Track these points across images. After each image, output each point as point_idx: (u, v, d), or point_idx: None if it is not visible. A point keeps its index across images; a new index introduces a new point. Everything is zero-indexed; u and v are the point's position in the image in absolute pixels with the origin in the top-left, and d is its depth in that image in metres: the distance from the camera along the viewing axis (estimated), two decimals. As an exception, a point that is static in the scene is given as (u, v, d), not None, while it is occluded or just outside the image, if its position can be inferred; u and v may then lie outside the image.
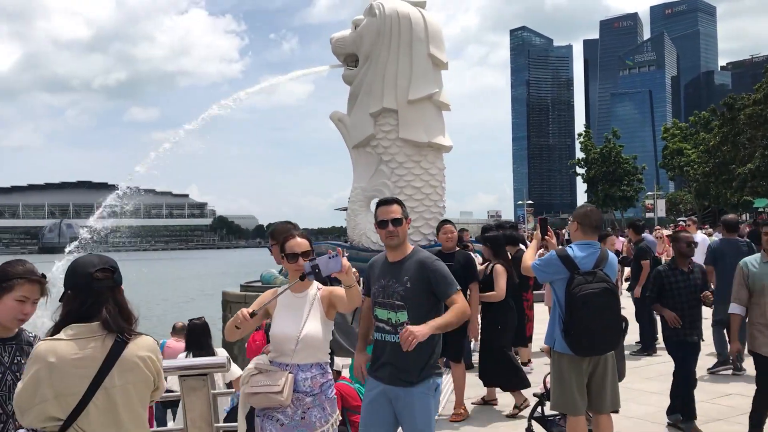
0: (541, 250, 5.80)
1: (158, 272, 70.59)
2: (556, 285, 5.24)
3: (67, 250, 20.76)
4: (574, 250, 5.20)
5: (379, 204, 4.34)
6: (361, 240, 18.83)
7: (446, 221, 7.80)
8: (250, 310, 3.72)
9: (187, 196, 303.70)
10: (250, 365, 3.83)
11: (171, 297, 35.91)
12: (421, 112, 18.36)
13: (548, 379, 5.75)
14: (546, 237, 5.61)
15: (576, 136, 75.17)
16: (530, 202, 68.89)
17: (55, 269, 20.22)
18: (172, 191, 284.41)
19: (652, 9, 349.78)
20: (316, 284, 4.05)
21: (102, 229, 20.84)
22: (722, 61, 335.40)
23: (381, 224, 4.27)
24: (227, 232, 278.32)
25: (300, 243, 4.11)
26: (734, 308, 6.35)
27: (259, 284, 18.67)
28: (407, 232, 4.33)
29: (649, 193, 66.12)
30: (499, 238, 8.59)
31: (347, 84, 19.28)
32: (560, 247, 5.45)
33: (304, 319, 3.88)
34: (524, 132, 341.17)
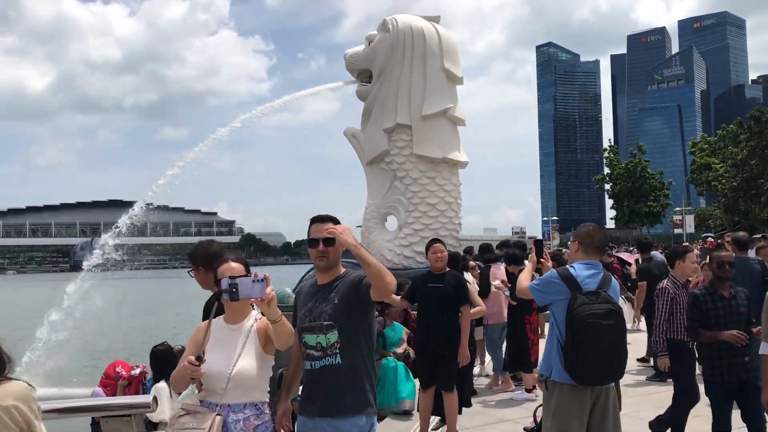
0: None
1: (183, 290, 70.56)
2: (555, 307, 4.82)
3: (85, 267, 20.68)
4: (576, 270, 4.80)
5: (313, 221, 3.95)
6: (376, 258, 18.48)
7: (435, 240, 7.40)
8: (193, 356, 3.35)
9: (215, 214, 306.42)
10: (178, 405, 3.47)
11: (191, 314, 35.75)
12: (436, 128, 18.10)
13: (539, 411, 5.30)
14: (541, 260, 5.28)
15: (603, 151, 74.30)
16: (555, 218, 67.94)
17: (69, 289, 20.21)
18: (200, 209, 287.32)
19: (680, 23, 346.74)
20: (254, 315, 3.69)
21: (120, 248, 20.75)
22: (753, 75, 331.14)
23: (311, 243, 3.89)
24: (255, 250, 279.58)
25: (233, 268, 3.68)
26: (765, 348, 5.40)
27: (273, 302, 18.37)
28: (340, 253, 3.93)
29: (678, 208, 64.88)
30: (453, 256, 8.28)
31: (361, 100, 19.09)
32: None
33: (237, 354, 3.50)
34: (552, 148, 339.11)
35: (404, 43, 17.90)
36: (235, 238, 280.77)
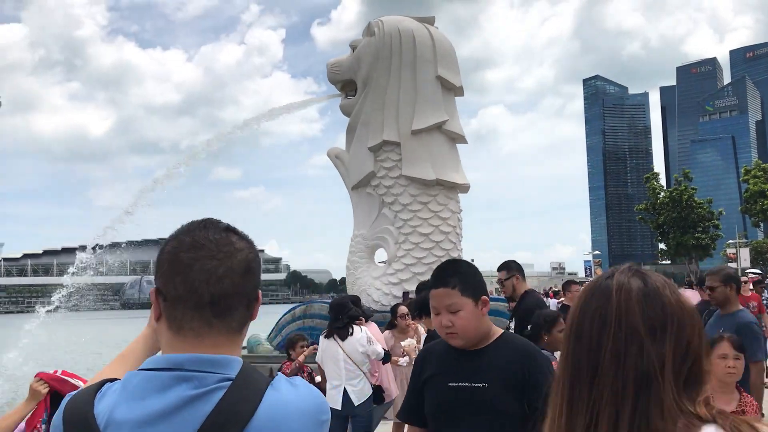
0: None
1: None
2: None
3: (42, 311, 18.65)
4: (116, 398, 1.54)
5: None
6: (361, 298, 15.89)
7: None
8: None
9: (262, 251, 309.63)
10: None
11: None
12: (429, 145, 15.53)
13: None
14: None
15: (644, 181, 70.18)
16: (597, 252, 64.26)
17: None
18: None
19: (732, 53, 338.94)
20: None
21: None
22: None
23: None
24: (301, 287, 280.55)
25: None
26: None
27: (245, 351, 15.85)
28: None
29: (731, 241, 60.33)
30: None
31: (346, 115, 16.71)
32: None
33: None
34: (601, 182, 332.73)
35: (391, 48, 15.48)
36: (282, 275, 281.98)
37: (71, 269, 18.27)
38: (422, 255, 15.39)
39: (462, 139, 16.27)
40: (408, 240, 15.45)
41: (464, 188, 16.21)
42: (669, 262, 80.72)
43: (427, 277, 15.45)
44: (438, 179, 15.41)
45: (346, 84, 16.66)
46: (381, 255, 16.58)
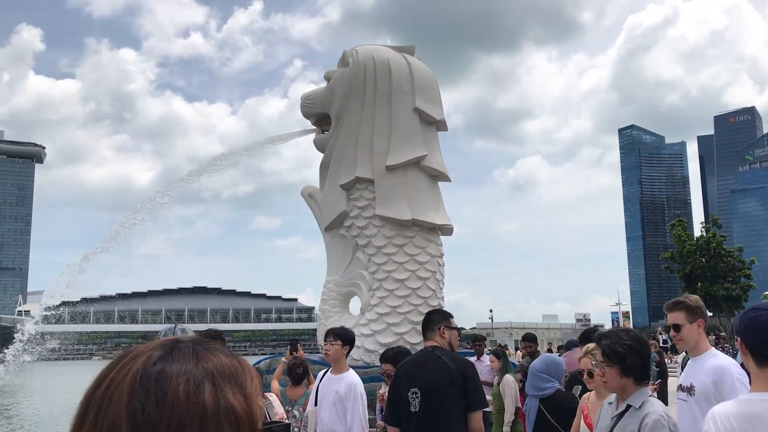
0: None
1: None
2: None
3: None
4: None
5: None
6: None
7: None
8: None
9: (296, 300, 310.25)
10: None
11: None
12: (405, 183, 14.25)
13: None
14: None
15: (669, 228, 67.70)
16: (625, 303, 61.48)
17: None
18: (281, 296, 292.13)
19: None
20: None
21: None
22: None
23: None
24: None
25: None
26: None
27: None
28: None
29: (767, 292, 57.31)
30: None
31: (320, 152, 15.55)
32: None
33: None
34: (639, 232, 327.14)
35: (365, 78, 14.35)
36: (314, 324, 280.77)
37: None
38: (397, 303, 13.97)
39: (444, 177, 14.97)
40: (382, 287, 14.08)
41: (446, 230, 14.83)
42: (711, 314, 77.34)
43: (403, 328, 13.95)
44: (414, 219, 14.08)
45: (322, 118, 15.56)
46: (356, 303, 15.22)
